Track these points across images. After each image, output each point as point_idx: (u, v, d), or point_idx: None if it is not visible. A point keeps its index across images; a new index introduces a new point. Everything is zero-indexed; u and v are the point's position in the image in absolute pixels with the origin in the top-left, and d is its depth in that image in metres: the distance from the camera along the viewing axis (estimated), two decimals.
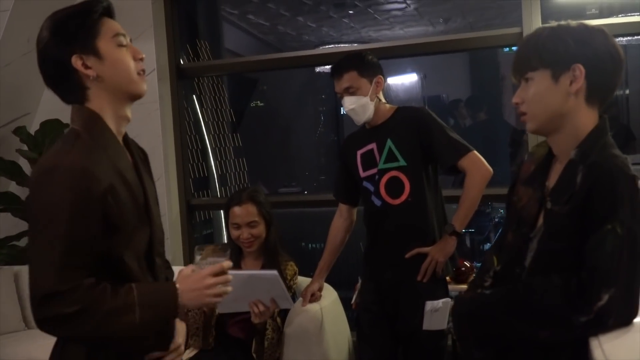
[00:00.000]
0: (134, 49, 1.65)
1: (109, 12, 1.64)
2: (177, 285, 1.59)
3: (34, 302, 1.47)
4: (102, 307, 1.48)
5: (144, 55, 1.67)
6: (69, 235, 1.46)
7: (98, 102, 1.61)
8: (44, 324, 1.48)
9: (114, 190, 1.53)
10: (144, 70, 1.67)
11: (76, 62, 1.57)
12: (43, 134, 3.99)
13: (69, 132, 1.60)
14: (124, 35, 1.64)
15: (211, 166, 6.32)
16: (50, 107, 4.15)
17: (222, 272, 1.64)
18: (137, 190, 1.63)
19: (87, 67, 1.58)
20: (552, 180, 1.71)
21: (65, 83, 1.60)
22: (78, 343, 1.58)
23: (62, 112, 4.25)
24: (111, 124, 1.63)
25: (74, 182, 1.47)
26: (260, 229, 2.98)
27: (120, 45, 1.62)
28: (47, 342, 1.62)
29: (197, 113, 6.13)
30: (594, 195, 1.54)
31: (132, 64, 1.63)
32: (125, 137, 1.72)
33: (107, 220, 1.52)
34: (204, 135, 6.26)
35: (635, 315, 1.54)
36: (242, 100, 8.10)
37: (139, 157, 1.75)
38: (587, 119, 1.66)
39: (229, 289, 1.65)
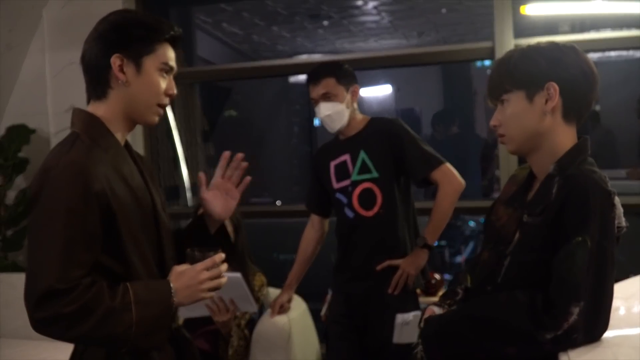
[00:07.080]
0: (171, 84, 1.68)
1: (173, 41, 1.67)
2: (172, 284, 1.57)
3: (31, 303, 1.45)
4: (100, 307, 1.46)
5: (175, 93, 1.69)
6: (66, 231, 1.46)
7: (113, 104, 1.63)
8: (42, 325, 1.46)
9: (113, 191, 1.53)
10: (166, 106, 1.69)
11: (115, 60, 1.59)
12: (9, 140, 3.93)
13: (69, 135, 1.61)
14: (171, 68, 1.66)
15: (182, 175, 6.26)
16: (17, 112, 4.08)
17: (215, 266, 1.63)
18: (143, 195, 1.63)
19: (122, 70, 1.59)
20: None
21: (95, 72, 1.62)
22: (98, 347, 1.57)
23: (29, 117, 4.20)
24: (116, 130, 1.63)
25: (70, 178, 1.48)
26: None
27: (163, 72, 1.65)
28: None
29: (169, 121, 6.08)
30: (567, 206, 1.54)
31: (161, 92, 1.65)
32: (127, 144, 1.72)
33: (109, 220, 1.51)
34: (175, 143, 6.21)
35: (604, 331, 1.54)
36: (215, 109, 8.04)
37: (141, 163, 1.75)
38: (564, 136, 1.66)
39: (224, 280, 1.65)
